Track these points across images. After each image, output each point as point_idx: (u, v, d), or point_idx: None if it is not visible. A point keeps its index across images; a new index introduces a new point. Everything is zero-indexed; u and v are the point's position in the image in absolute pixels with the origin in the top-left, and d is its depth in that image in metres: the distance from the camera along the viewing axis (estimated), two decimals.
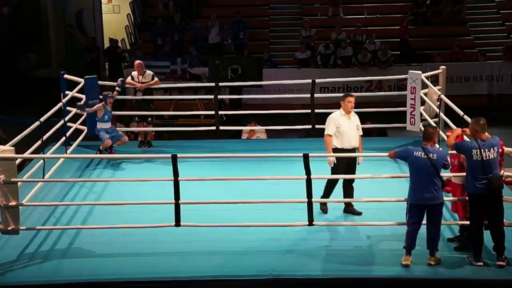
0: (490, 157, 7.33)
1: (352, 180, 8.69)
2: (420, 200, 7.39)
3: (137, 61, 12.20)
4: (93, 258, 7.76)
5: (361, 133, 8.98)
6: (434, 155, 7.35)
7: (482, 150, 7.30)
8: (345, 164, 8.68)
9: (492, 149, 7.35)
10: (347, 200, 8.70)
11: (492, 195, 7.36)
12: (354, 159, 8.74)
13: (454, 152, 7.70)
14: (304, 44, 19.21)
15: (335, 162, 8.63)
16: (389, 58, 18.61)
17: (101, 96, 11.34)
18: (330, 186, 8.72)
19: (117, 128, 11.78)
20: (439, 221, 7.51)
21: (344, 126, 8.72)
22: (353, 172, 8.71)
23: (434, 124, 10.78)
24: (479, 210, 7.44)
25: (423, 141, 7.54)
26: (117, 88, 11.50)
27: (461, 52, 19.12)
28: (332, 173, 8.69)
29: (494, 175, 7.34)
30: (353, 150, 8.78)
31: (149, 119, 12.06)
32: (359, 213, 8.70)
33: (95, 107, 11.07)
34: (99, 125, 11.12)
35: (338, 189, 8.82)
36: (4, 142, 9.88)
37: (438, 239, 7.52)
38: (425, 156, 7.34)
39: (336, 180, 8.74)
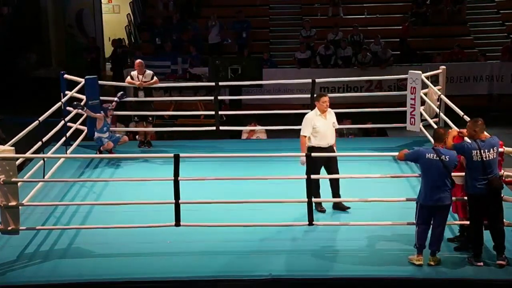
0: (490, 158, 7.32)
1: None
2: (431, 201, 7.37)
3: (138, 60, 12.16)
4: (93, 258, 7.76)
5: (337, 126, 9.08)
6: (446, 157, 7.31)
7: (482, 151, 7.29)
8: (324, 162, 8.74)
9: (492, 149, 7.35)
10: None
11: (492, 196, 7.36)
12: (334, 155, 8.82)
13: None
14: (304, 44, 19.21)
15: (306, 162, 8.50)
16: (389, 58, 18.61)
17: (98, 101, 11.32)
18: (315, 185, 8.66)
19: (117, 128, 11.77)
20: (444, 222, 7.51)
21: (320, 126, 8.82)
22: (335, 167, 8.77)
23: (434, 124, 10.79)
24: (479, 211, 7.44)
25: (434, 142, 7.50)
26: (116, 99, 11.44)
27: (461, 52, 19.11)
28: (312, 172, 8.55)
29: (494, 175, 7.35)
30: (330, 147, 8.88)
31: (150, 119, 12.04)
32: (347, 208, 8.76)
33: (97, 114, 11.07)
34: (97, 135, 11.12)
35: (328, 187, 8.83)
36: (3, 142, 9.88)
37: (442, 240, 7.53)
38: (437, 158, 7.30)
39: (318, 179, 8.75)
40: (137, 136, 12.65)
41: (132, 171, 10.61)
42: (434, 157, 7.32)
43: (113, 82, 12.64)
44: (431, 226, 7.49)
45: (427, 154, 7.37)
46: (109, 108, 11.28)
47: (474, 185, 7.35)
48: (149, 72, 11.95)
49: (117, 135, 11.50)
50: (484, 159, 7.29)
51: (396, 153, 7.86)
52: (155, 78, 11.95)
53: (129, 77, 11.99)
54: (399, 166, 10.01)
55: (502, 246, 7.44)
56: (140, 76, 11.80)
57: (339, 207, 8.87)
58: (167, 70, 18.68)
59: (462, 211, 7.86)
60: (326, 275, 7.35)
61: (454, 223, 8.12)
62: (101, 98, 11.56)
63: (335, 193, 8.84)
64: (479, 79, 18.80)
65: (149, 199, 8.52)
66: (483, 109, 16.01)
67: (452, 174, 7.78)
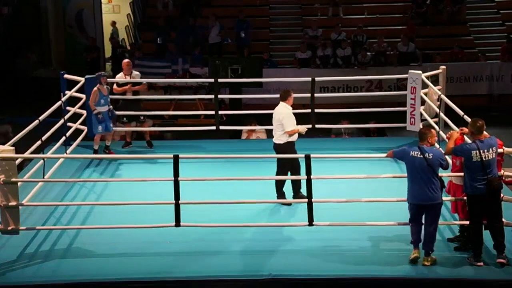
0: (489, 158, 7.34)
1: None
2: (418, 200, 7.41)
3: (126, 60, 12.06)
4: (93, 258, 7.76)
5: None
6: (430, 155, 7.37)
7: (482, 151, 7.31)
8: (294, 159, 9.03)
9: (490, 149, 7.36)
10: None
11: (491, 196, 7.36)
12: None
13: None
14: (305, 44, 19.21)
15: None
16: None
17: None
18: (283, 182, 9.00)
19: (121, 128, 11.73)
20: (436, 221, 7.52)
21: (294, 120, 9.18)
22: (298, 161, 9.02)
23: (435, 124, 10.79)
24: (478, 211, 7.44)
25: (419, 141, 7.58)
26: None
27: (461, 52, 19.12)
28: (283, 166, 8.99)
29: (493, 176, 7.35)
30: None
31: (141, 118, 11.94)
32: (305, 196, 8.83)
33: (91, 96, 10.86)
34: (97, 109, 10.85)
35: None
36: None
37: (435, 240, 7.52)
38: (421, 156, 7.36)
39: (286, 173, 9.02)
40: (126, 138, 12.27)
41: (132, 171, 10.60)
42: (418, 155, 7.38)
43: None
44: (424, 225, 7.49)
45: (411, 152, 7.44)
46: (102, 74, 10.96)
47: (473, 186, 7.36)
48: (136, 73, 11.79)
49: (111, 124, 11.28)
50: (484, 159, 7.30)
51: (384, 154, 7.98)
52: (143, 82, 11.84)
53: (115, 84, 11.70)
54: (399, 166, 10.00)
55: (502, 244, 7.44)
56: (128, 77, 11.68)
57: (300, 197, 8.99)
58: (167, 71, 18.68)
59: (462, 211, 7.86)
60: (326, 275, 7.35)
61: (454, 223, 8.13)
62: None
63: (297, 190, 9.08)
64: (479, 79, 18.81)
65: (149, 199, 8.52)
66: (483, 109, 16.01)
67: (451, 174, 7.80)
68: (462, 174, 7.59)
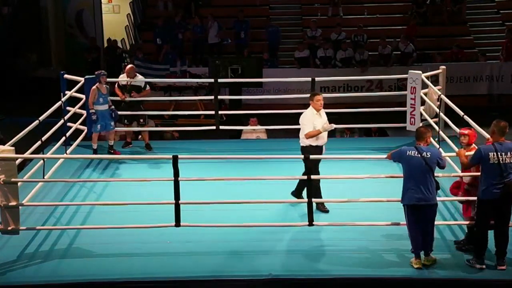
0: (507, 161, 7.21)
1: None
2: (413, 200, 7.34)
3: (129, 65, 12.08)
4: (93, 258, 7.76)
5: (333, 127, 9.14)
6: (427, 154, 7.32)
7: (499, 154, 7.19)
8: (319, 161, 8.79)
9: (509, 153, 7.22)
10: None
11: (506, 199, 7.25)
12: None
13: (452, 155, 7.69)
14: (304, 43, 19.19)
15: (313, 159, 8.59)
16: (412, 52, 18.57)
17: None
18: (316, 184, 8.62)
19: (117, 129, 11.73)
20: (433, 222, 7.45)
21: (318, 125, 8.83)
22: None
23: (434, 124, 10.79)
24: (489, 215, 7.34)
25: (416, 140, 7.54)
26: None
27: (461, 52, 19.12)
28: (312, 172, 8.46)
29: (510, 180, 7.24)
30: (322, 146, 8.94)
31: (141, 120, 11.92)
32: (326, 211, 8.78)
33: (90, 94, 10.85)
34: (95, 107, 10.87)
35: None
36: (2, 143, 9.87)
37: (433, 239, 7.48)
38: (419, 155, 7.32)
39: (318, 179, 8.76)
40: (127, 138, 12.27)
41: (132, 171, 10.60)
42: (415, 154, 7.33)
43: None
44: (422, 226, 7.40)
45: (408, 151, 7.40)
46: (102, 74, 10.94)
47: (490, 190, 7.22)
48: (140, 77, 11.79)
49: (111, 122, 11.33)
50: (501, 162, 7.18)
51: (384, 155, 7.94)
52: (147, 87, 11.83)
53: (116, 85, 11.73)
54: (399, 166, 10.00)
55: (504, 251, 7.35)
56: (129, 79, 11.65)
57: (320, 209, 8.84)
58: (165, 73, 18.65)
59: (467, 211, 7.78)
60: (326, 275, 7.35)
61: (455, 223, 8.13)
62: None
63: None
64: (479, 79, 18.82)
65: (149, 199, 8.52)
66: (483, 109, 16.01)
67: (466, 174, 7.69)
68: (472, 174, 7.53)
